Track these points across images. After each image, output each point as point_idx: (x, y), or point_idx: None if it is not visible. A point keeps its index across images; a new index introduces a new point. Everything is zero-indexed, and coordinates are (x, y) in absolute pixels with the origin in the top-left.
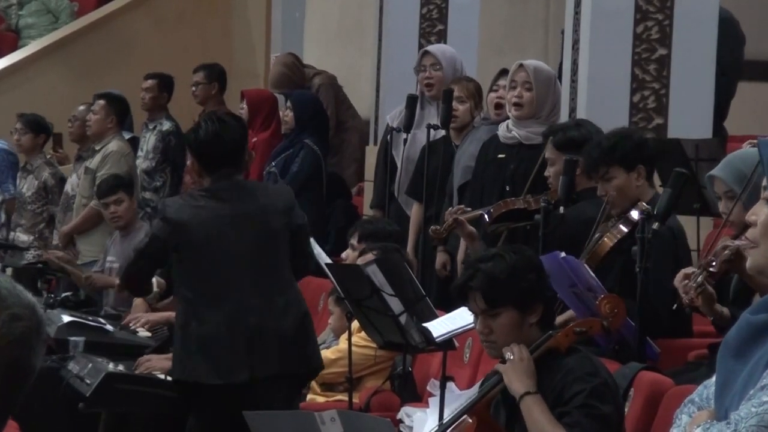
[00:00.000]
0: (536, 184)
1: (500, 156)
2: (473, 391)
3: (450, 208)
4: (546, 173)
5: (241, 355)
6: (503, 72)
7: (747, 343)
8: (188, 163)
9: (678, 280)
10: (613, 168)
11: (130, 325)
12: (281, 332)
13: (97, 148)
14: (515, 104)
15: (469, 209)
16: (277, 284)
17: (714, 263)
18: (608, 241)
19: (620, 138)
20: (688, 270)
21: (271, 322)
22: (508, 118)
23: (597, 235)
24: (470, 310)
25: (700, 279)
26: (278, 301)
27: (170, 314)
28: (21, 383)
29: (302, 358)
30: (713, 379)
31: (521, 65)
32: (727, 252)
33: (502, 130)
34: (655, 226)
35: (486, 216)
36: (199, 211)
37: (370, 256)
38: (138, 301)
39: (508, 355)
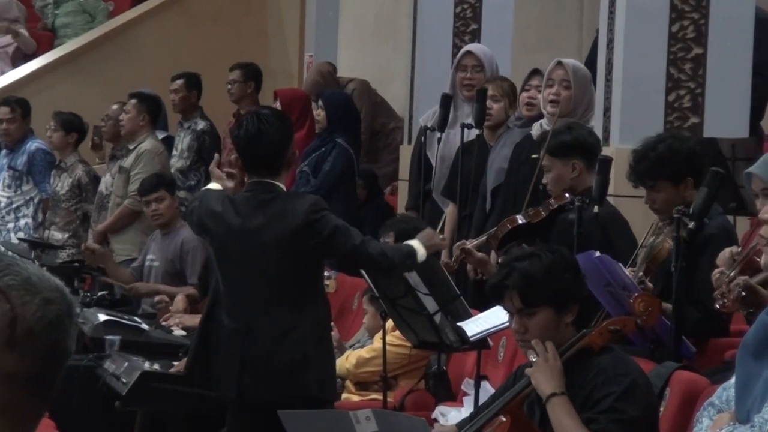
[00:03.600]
0: (537, 194)
1: (533, 156)
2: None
3: (456, 243)
4: (544, 180)
5: (234, 375)
6: (535, 72)
7: (765, 343)
8: (223, 156)
9: (714, 279)
10: (660, 181)
11: (162, 322)
12: (274, 361)
13: (130, 147)
14: (552, 101)
15: (473, 240)
16: (274, 311)
17: (726, 301)
18: (667, 245)
19: (669, 152)
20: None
21: (265, 350)
22: (540, 116)
23: (652, 239)
24: (505, 308)
25: (738, 286)
26: (275, 329)
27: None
28: (59, 366)
29: (301, 387)
30: (732, 381)
31: (560, 63)
32: (738, 289)
33: (535, 129)
34: (691, 225)
35: (491, 239)
36: (217, 222)
37: None
38: (178, 298)
39: (532, 357)
